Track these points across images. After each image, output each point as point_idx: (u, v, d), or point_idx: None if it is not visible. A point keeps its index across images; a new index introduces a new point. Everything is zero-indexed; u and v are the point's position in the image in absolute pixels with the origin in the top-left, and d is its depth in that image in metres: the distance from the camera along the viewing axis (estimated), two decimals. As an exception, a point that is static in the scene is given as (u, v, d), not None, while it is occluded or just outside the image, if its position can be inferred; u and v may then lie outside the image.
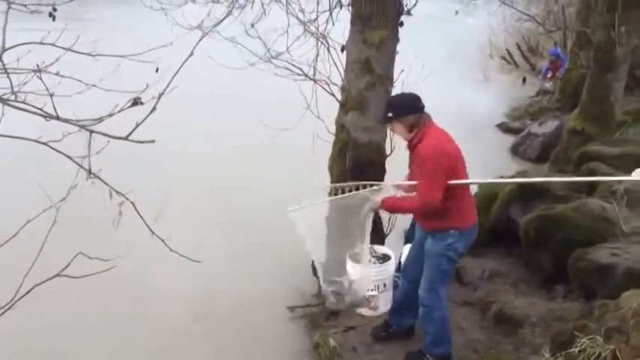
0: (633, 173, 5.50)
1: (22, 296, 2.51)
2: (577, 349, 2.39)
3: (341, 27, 4.93)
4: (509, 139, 9.90)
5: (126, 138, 1.86)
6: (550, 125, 9.37)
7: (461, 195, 3.53)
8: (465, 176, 3.55)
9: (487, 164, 7.22)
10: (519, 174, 6.29)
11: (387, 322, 4.20)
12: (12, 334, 4.07)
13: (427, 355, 3.81)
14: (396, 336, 4.13)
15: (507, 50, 15.58)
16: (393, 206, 3.68)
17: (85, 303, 4.71)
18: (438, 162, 3.38)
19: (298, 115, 4.99)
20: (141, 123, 1.87)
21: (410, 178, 3.70)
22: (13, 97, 2.24)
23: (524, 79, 13.76)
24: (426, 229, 3.69)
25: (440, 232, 3.53)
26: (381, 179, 4.88)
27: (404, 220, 5.06)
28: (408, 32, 4.81)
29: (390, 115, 3.59)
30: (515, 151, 9.44)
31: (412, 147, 3.57)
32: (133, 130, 1.90)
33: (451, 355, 3.84)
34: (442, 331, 3.78)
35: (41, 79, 2.05)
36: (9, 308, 2.49)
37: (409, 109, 3.53)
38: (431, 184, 3.39)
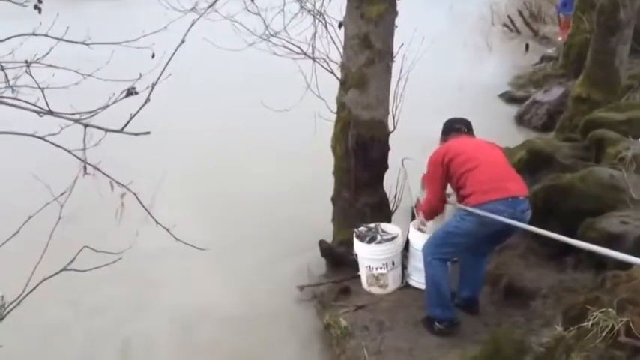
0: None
1: (30, 291, 2.50)
2: (590, 323, 2.37)
3: (338, 3, 4.82)
4: (514, 109, 9.78)
5: (121, 131, 1.82)
6: (555, 92, 9.22)
7: (466, 177, 3.68)
8: (470, 157, 3.73)
9: (491, 135, 7.05)
10: (526, 143, 6.19)
11: (453, 293, 4.18)
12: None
13: (436, 323, 3.89)
14: (459, 307, 4.08)
15: (509, 17, 15.33)
16: (424, 211, 4.13)
17: (97, 293, 4.74)
18: (434, 157, 3.86)
19: (299, 94, 4.92)
20: (135, 114, 1.83)
21: None
22: (9, 92, 2.20)
23: (527, 46, 13.54)
24: None
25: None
26: (385, 156, 4.85)
27: (410, 198, 5.03)
28: (407, 4, 4.71)
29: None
30: (520, 120, 9.32)
31: None
32: (128, 122, 1.86)
33: (455, 320, 3.90)
34: (433, 292, 3.85)
35: (30, 73, 2.01)
36: (18, 304, 2.48)
37: (444, 131, 4.10)
38: (428, 187, 4.04)
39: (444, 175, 3.80)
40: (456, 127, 4.06)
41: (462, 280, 4.10)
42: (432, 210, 4.04)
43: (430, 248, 3.84)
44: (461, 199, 3.76)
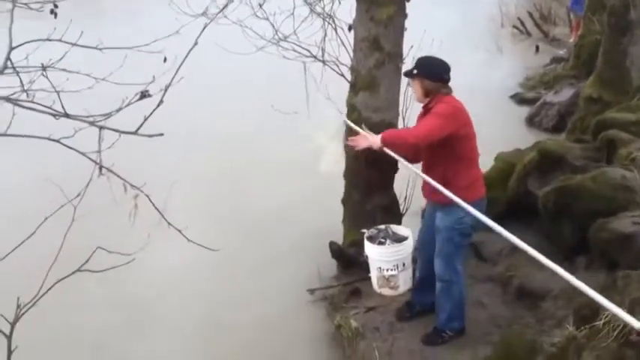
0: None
1: (45, 293, 2.54)
2: (601, 322, 2.37)
3: (347, 5, 4.85)
4: (525, 110, 9.73)
5: (135, 132, 1.86)
6: (566, 93, 9.17)
7: (467, 165, 3.57)
8: (476, 145, 3.63)
9: (502, 137, 7.14)
10: (537, 145, 6.17)
11: (411, 302, 4.21)
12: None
13: (446, 331, 3.85)
14: (421, 315, 4.13)
15: (519, 19, 15.26)
16: (393, 138, 3.59)
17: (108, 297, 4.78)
18: (456, 112, 3.48)
19: (309, 97, 4.95)
20: (149, 116, 1.86)
21: None
22: (24, 96, 2.25)
23: (537, 48, 13.48)
24: (435, 203, 3.71)
25: (449, 205, 3.38)
26: (396, 158, 4.84)
27: (421, 199, 5.01)
28: (417, 7, 4.72)
29: (415, 71, 3.64)
30: (531, 121, 9.27)
31: (426, 110, 3.62)
32: (142, 124, 1.89)
33: (465, 328, 3.89)
34: (459, 306, 3.81)
35: (47, 77, 2.05)
36: (32, 305, 2.52)
37: (434, 75, 3.57)
38: (442, 119, 3.40)
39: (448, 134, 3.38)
40: (445, 77, 3.59)
41: (425, 286, 3.98)
42: (415, 145, 3.47)
43: (449, 266, 3.67)
44: (446, 176, 3.48)
